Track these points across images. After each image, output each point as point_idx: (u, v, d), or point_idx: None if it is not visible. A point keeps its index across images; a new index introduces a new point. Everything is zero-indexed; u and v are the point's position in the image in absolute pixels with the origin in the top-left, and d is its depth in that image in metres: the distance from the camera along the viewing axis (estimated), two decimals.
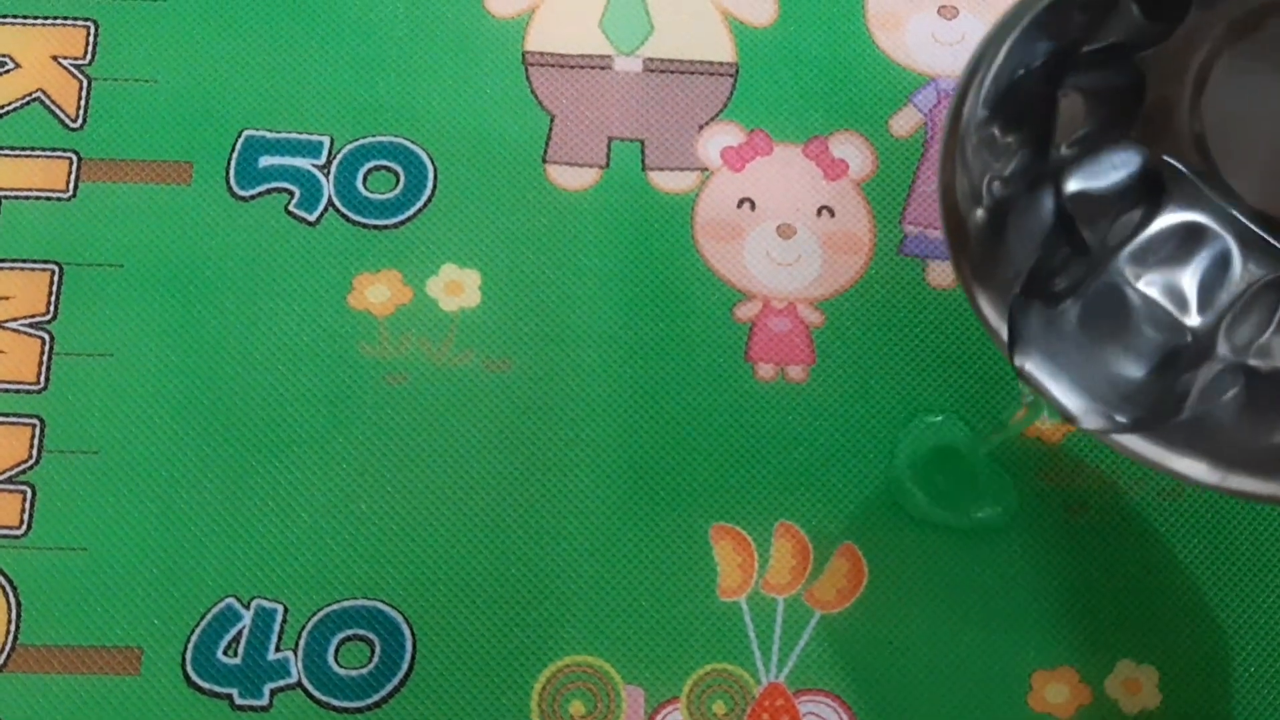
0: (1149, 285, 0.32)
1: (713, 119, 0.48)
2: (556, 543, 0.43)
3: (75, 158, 0.46)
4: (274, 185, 0.46)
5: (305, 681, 0.42)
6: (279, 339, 0.45)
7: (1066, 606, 0.43)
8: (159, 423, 0.44)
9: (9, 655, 0.42)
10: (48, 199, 0.46)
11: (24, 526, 0.43)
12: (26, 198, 0.46)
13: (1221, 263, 0.32)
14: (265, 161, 0.46)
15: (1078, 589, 0.43)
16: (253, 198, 0.46)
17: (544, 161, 0.47)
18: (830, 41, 0.49)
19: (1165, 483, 0.44)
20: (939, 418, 0.45)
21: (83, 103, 0.47)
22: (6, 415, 0.44)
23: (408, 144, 0.47)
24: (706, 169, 0.47)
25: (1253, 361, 0.32)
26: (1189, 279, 0.32)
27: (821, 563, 0.44)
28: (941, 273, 0.47)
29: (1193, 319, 0.32)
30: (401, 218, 0.46)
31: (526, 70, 0.48)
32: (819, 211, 0.47)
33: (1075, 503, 0.44)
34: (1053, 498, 0.44)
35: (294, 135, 0.47)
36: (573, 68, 0.48)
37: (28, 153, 0.47)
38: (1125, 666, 0.43)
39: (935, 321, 0.46)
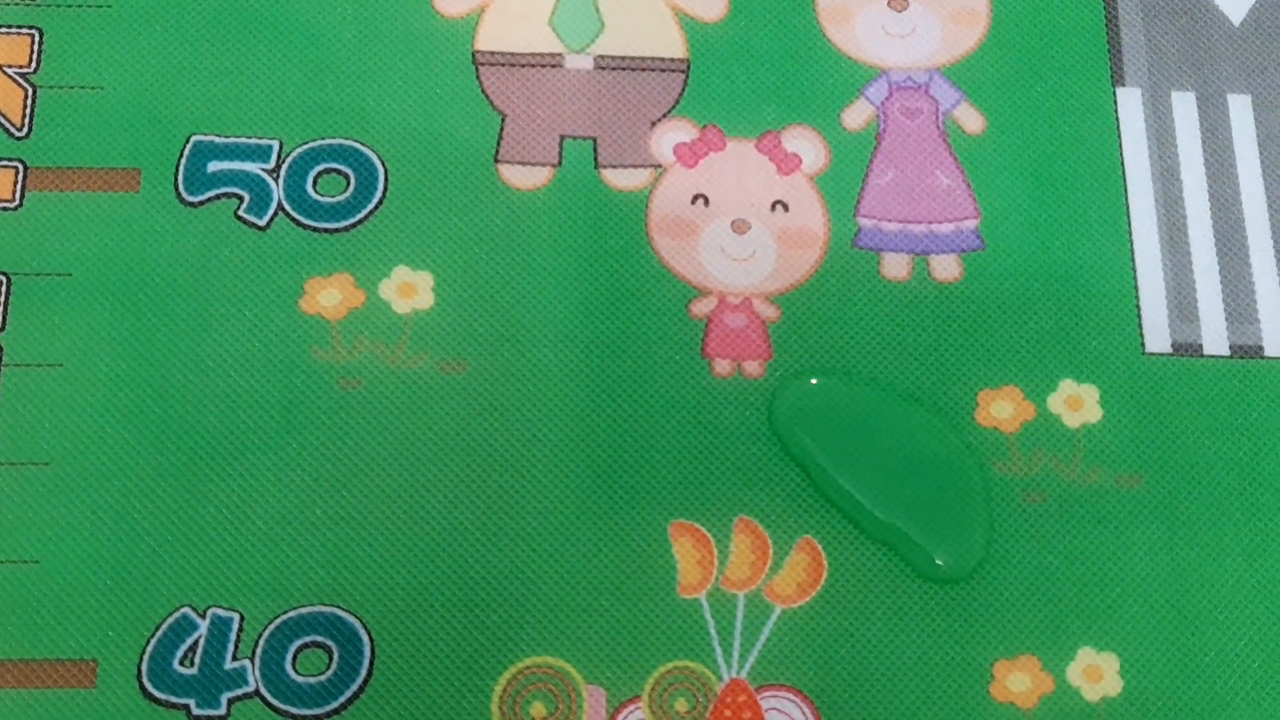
0: None
1: (665, 115, 0.47)
2: (515, 544, 0.43)
3: (21, 166, 0.46)
4: (223, 190, 0.46)
5: (263, 690, 0.41)
6: (230, 345, 0.44)
7: (1026, 595, 0.43)
8: (110, 433, 0.43)
9: None
10: None
11: None
12: None
13: None
14: (214, 166, 0.46)
15: (1037, 577, 0.43)
16: (202, 203, 0.46)
17: (496, 161, 0.47)
18: (781, 35, 0.48)
19: (1124, 468, 0.45)
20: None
21: (28, 111, 0.46)
22: None
23: (358, 146, 0.47)
24: (659, 166, 0.47)
25: None
26: None
27: (781, 557, 0.43)
28: (895, 265, 0.47)
29: None
30: (353, 220, 0.46)
31: (477, 70, 0.47)
32: (773, 206, 0.47)
33: (1033, 490, 0.44)
34: (1010, 486, 0.44)
35: (242, 140, 0.46)
36: (523, 66, 0.48)
37: None
38: (1086, 654, 0.43)
39: (890, 314, 0.46)
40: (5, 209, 0.46)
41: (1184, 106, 0.49)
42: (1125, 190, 0.48)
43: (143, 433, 0.43)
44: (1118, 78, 0.49)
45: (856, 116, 0.48)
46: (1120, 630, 0.43)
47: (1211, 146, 0.49)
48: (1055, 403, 0.45)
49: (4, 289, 0.45)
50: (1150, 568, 0.44)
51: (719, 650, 0.42)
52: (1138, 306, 0.46)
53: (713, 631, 0.43)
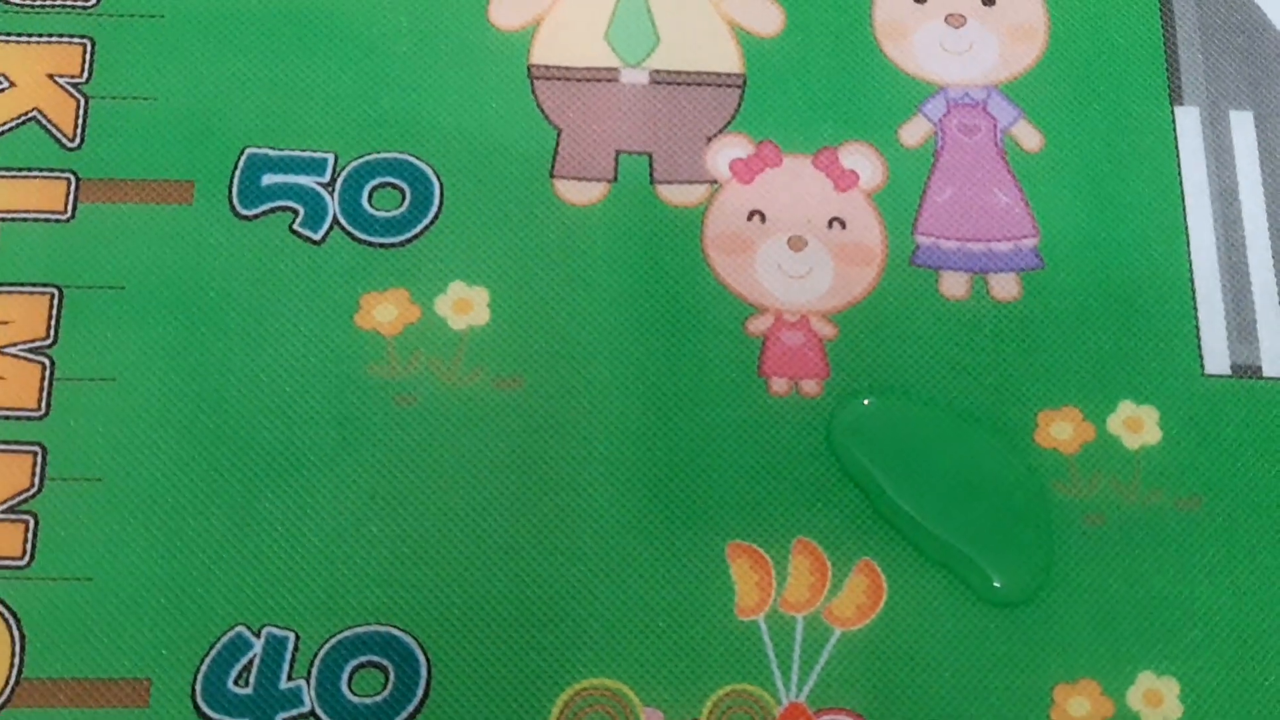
0: None
1: (721, 131, 0.47)
2: (571, 563, 0.43)
3: (73, 178, 0.46)
4: (278, 204, 0.46)
5: (319, 710, 0.41)
6: (286, 360, 0.44)
7: (1086, 618, 0.43)
8: (163, 448, 0.43)
9: (13, 690, 0.41)
10: (46, 220, 0.45)
11: (26, 557, 0.42)
12: (24, 219, 0.45)
13: None
14: (268, 180, 0.46)
15: (1097, 600, 0.43)
16: (256, 217, 0.45)
17: (551, 176, 0.46)
18: (838, 51, 0.48)
19: (1183, 490, 0.44)
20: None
21: (80, 121, 0.46)
22: (7, 443, 0.43)
23: (413, 160, 0.46)
24: (715, 181, 0.47)
25: None
26: None
27: (840, 579, 0.43)
28: (954, 283, 0.46)
29: None
30: (408, 235, 0.45)
31: (532, 84, 0.47)
32: (830, 223, 0.47)
33: (1093, 512, 0.44)
34: (1071, 508, 0.44)
35: (297, 153, 0.46)
36: (579, 80, 0.47)
37: (24, 173, 0.46)
38: (1146, 678, 0.42)
39: (948, 332, 0.46)
40: (57, 221, 0.45)
41: (1242, 126, 0.48)
42: (1184, 210, 0.47)
43: (197, 449, 0.43)
44: (1176, 96, 0.48)
45: (914, 133, 0.48)
46: (1180, 654, 0.42)
47: (1270, 166, 0.48)
48: (1115, 424, 0.45)
49: (56, 302, 0.44)
50: (1210, 591, 0.43)
51: (777, 673, 0.42)
52: (1197, 327, 0.46)
53: (771, 654, 0.42)
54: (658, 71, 0.47)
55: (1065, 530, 0.44)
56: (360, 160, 0.46)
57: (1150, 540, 0.44)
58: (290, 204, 0.46)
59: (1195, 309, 0.46)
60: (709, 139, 0.47)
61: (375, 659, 0.41)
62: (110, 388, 0.43)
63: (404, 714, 0.41)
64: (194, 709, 0.41)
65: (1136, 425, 0.45)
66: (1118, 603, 0.43)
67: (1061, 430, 0.45)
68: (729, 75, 0.48)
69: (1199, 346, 0.46)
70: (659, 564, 0.43)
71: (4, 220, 0.45)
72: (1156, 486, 0.44)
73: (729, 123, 0.47)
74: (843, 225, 0.46)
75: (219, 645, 0.41)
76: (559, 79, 0.47)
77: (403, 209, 0.46)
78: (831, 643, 0.42)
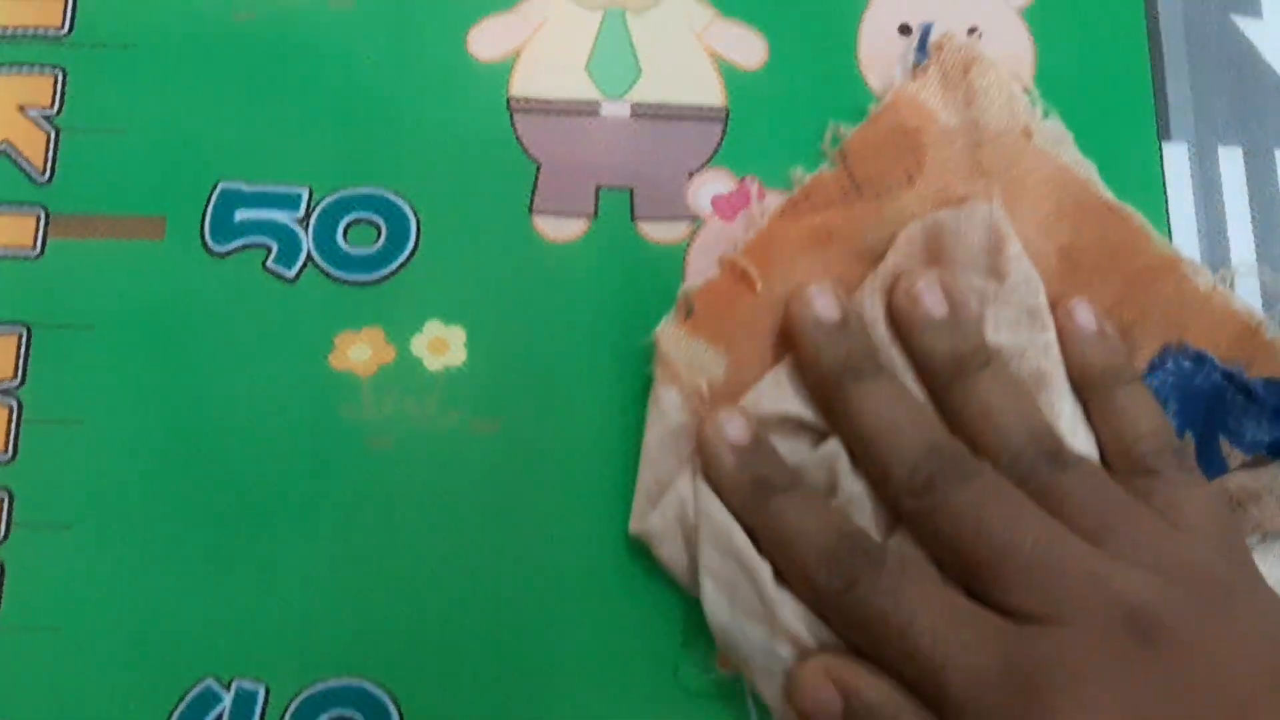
0: None
1: (703, 166, 0.46)
2: (552, 614, 0.42)
3: (43, 213, 0.45)
4: (251, 240, 0.45)
5: None
6: (258, 402, 0.43)
7: None
8: (133, 493, 0.42)
9: None
10: (14, 258, 0.44)
11: None
12: None
13: None
14: (241, 215, 0.45)
15: None
16: (229, 254, 0.45)
17: (531, 212, 0.45)
18: (822, 84, 0.47)
19: None
20: None
21: (51, 155, 0.45)
22: None
23: (389, 195, 0.45)
24: (697, 218, 0.46)
25: None
26: None
27: None
28: None
29: None
30: (384, 273, 0.45)
31: (512, 116, 0.46)
32: None
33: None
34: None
35: (271, 187, 0.45)
36: (559, 113, 0.46)
37: None
38: None
39: None
40: (26, 258, 0.44)
41: (1231, 162, 0.48)
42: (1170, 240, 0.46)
43: (167, 494, 0.42)
44: (1164, 132, 0.48)
45: None
46: None
47: (1260, 203, 0.48)
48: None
49: (24, 341, 0.43)
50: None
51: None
52: None
53: (751, 705, 0.42)
54: (639, 104, 0.47)
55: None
56: (335, 195, 0.45)
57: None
58: (263, 240, 0.45)
59: None
60: (691, 174, 0.46)
61: (347, 714, 0.41)
62: (79, 430, 0.43)
63: None
64: None
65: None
66: None
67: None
68: (711, 109, 0.47)
69: None
70: (644, 614, 0.42)
71: None
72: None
73: (711, 157, 0.46)
74: None
75: (188, 698, 0.41)
76: (539, 112, 0.46)
77: (378, 245, 0.45)
78: None
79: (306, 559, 0.42)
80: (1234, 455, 0.43)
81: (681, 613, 0.42)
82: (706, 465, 0.41)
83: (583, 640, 0.42)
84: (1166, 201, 0.47)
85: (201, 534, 0.42)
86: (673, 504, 0.41)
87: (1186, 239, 0.47)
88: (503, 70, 0.47)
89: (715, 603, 0.40)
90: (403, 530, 0.42)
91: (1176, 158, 0.48)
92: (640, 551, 0.42)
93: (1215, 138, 0.48)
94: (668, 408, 0.42)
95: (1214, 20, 0.49)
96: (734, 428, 0.41)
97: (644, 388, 0.44)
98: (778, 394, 0.42)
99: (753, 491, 0.40)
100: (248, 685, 0.41)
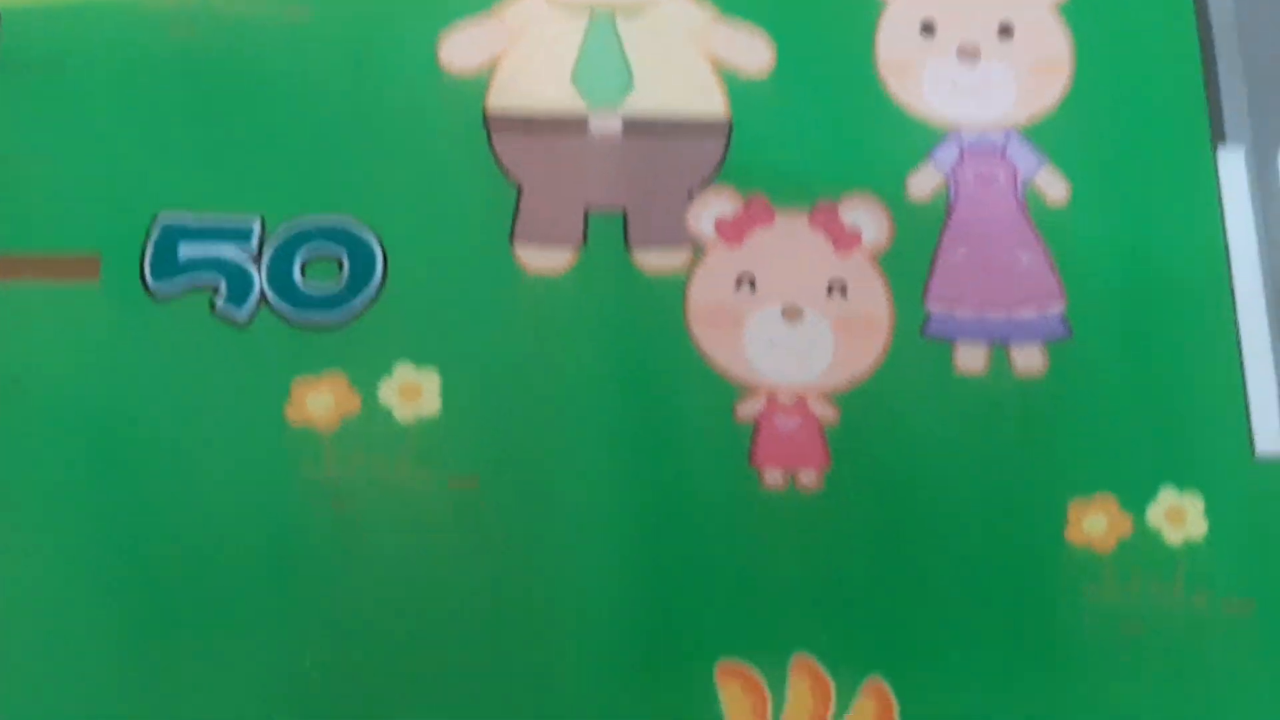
0: None
1: (704, 185, 0.44)
2: (538, 693, 0.39)
3: None
4: (196, 280, 0.42)
5: None
6: (207, 466, 0.40)
7: None
8: (61, 581, 0.39)
9: None
10: None
11: None
12: None
13: None
14: (186, 251, 0.42)
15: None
16: (172, 296, 0.42)
17: (511, 240, 0.43)
18: (836, 91, 0.45)
19: (1232, 592, 0.41)
20: None
21: None
22: None
23: (352, 225, 0.42)
24: (699, 244, 0.43)
25: None
26: None
27: (845, 702, 0.40)
28: (971, 356, 0.43)
29: None
30: (347, 312, 0.42)
31: (489, 134, 0.43)
32: (829, 290, 0.43)
33: (1130, 619, 0.40)
34: (1105, 615, 0.40)
35: (218, 219, 0.42)
36: (542, 130, 0.43)
37: None
38: None
39: (965, 414, 0.42)
40: None
41: None
42: (1228, 265, 0.44)
43: (101, 580, 0.39)
44: (1218, 135, 0.45)
45: (924, 184, 0.44)
46: None
47: None
48: (1155, 515, 0.41)
49: None
50: (1263, 707, 0.40)
51: None
52: (1246, 402, 0.43)
53: None
54: (632, 118, 0.44)
55: (1098, 641, 0.40)
56: (291, 226, 0.43)
57: (1193, 650, 0.41)
58: (211, 279, 0.42)
59: (1244, 380, 0.43)
60: (691, 195, 0.44)
61: None
62: (1, 506, 0.39)
63: None
64: None
65: (1179, 516, 0.41)
66: None
67: (1095, 524, 0.41)
68: (712, 121, 0.44)
69: (1249, 424, 0.43)
70: (637, 689, 0.39)
71: None
72: (1201, 588, 0.41)
73: (713, 175, 0.44)
74: (844, 292, 0.43)
75: None
76: (519, 129, 0.44)
77: (340, 282, 0.42)
78: None
79: (267, 645, 0.39)
80: None
81: (687, 690, 0.39)
82: None
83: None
84: (1223, 215, 0.44)
85: (147, 630, 0.39)
86: None
87: (1245, 256, 0.44)
88: (479, 83, 0.44)
89: None
90: (374, 604, 0.39)
91: (1233, 164, 0.45)
92: (639, 624, 0.40)
93: (1275, 141, 0.45)
94: None
95: (1268, 15, 0.47)
96: None
97: (639, 437, 0.41)
98: None
99: None
100: None
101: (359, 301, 0.42)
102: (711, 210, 0.43)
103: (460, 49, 0.44)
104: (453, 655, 0.39)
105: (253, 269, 0.42)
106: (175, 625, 0.39)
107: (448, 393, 0.41)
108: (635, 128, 0.44)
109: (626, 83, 0.44)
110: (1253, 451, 0.42)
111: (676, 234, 0.43)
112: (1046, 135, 0.45)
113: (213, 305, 0.41)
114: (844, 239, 0.43)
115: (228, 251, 0.42)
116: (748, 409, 0.42)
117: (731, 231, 0.43)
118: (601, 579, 0.40)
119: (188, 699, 0.38)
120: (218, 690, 0.38)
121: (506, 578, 0.40)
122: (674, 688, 0.39)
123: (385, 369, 0.41)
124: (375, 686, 0.39)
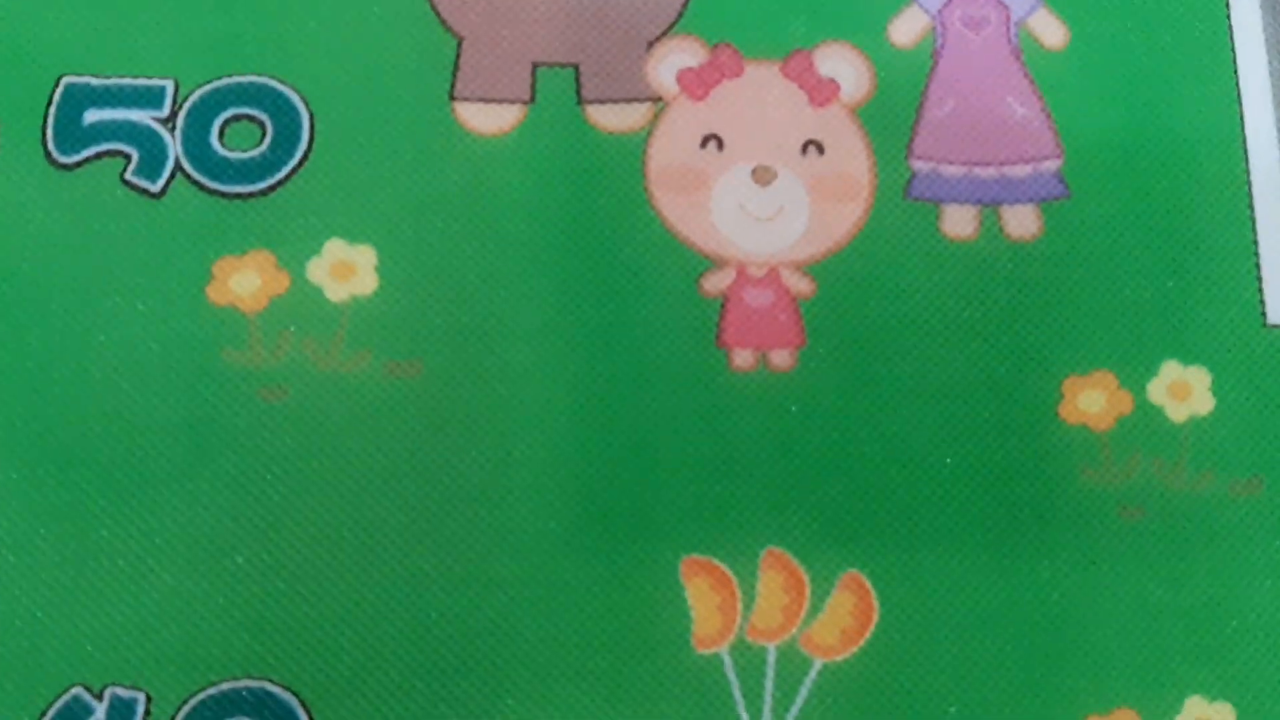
0: None
1: (665, 33, 0.43)
2: (488, 592, 0.38)
3: None
4: (105, 147, 0.41)
5: None
6: (121, 350, 0.39)
7: (1124, 635, 0.39)
8: None
9: None
10: None
11: None
12: None
13: None
14: (92, 116, 0.41)
15: (1135, 612, 0.39)
16: (78, 165, 0.41)
17: (451, 99, 0.42)
18: None
19: (1242, 471, 0.40)
20: None
21: None
22: None
23: (275, 84, 0.41)
24: (660, 99, 0.42)
25: None
26: None
27: (820, 598, 0.39)
28: (959, 219, 0.42)
29: None
30: (271, 181, 0.41)
31: None
32: (804, 148, 0.42)
33: (1130, 503, 0.40)
34: (1103, 498, 0.40)
35: (128, 81, 0.41)
36: None
37: None
38: (1195, 705, 0.39)
39: (952, 283, 0.42)
40: None
41: None
42: (1241, 117, 0.43)
43: (14, 467, 0.38)
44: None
45: (907, 29, 0.44)
46: (1236, 675, 0.39)
47: None
48: (1156, 391, 0.41)
49: None
50: (1272, 598, 0.40)
51: (745, 716, 0.38)
52: (1258, 266, 0.42)
53: (737, 695, 0.38)
54: None
55: (1097, 525, 0.40)
56: (208, 87, 0.41)
57: (1200, 535, 0.40)
58: (120, 147, 0.41)
59: (1255, 242, 0.43)
60: (650, 44, 0.43)
61: None
62: None
63: None
64: None
65: (1183, 391, 0.41)
66: (1160, 613, 0.40)
67: (1092, 401, 0.41)
68: None
69: (1260, 291, 0.42)
70: (597, 589, 0.39)
71: None
72: (1208, 468, 0.41)
73: (675, 22, 0.43)
74: (820, 150, 0.43)
75: (52, 711, 0.37)
76: None
77: (263, 148, 0.41)
78: (811, 676, 0.39)
79: (189, 540, 0.38)
80: None
81: (650, 587, 0.38)
82: None
83: (530, 627, 0.38)
84: (1235, 62, 0.43)
85: (59, 514, 0.38)
86: None
87: (1259, 108, 0.43)
88: None
89: None
90: (305, 500, 0.39)
91: (1246, 6, 0.44)
92: (597, 518, 0.39)
93: None
94: None
95: None
96: None
97: (595, 315, 0.40)
98: None
99: None
100: (124, 693, 0.37)
101: (284, 169, 0.41)
102: (673, 61, 0.43)
103: None
104: (394, 551, 0.38)
105: (166, 134, 0.41)
106: (88, 514, 0.38)
107: (385, 270, 0.40)
108: None
109: None
110: (1264, 320, 0.42)
111: (634, 88, 0.42)
112: None
113: (123, 175, 0.40)
114: (820, 91, 0.43)
115: (138, 116, 0.41)
116: (714, 282, 0.41)
117: (696, 85, 0.42)
118: (557, 471, 0.39)
119: (102, 590, 0.37)
120: (135, 584, 0.37)
121: (451, 468, 0.39)
122: (636, 586, 0.39)
123: (315, 247, 0.40)
124: (304, 585, 0.38)
